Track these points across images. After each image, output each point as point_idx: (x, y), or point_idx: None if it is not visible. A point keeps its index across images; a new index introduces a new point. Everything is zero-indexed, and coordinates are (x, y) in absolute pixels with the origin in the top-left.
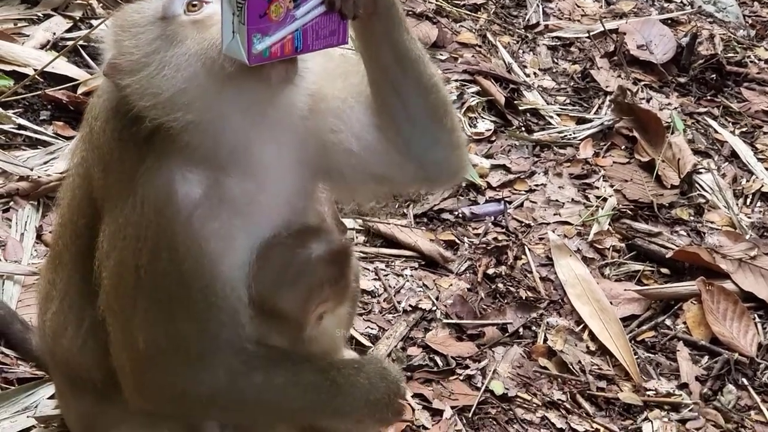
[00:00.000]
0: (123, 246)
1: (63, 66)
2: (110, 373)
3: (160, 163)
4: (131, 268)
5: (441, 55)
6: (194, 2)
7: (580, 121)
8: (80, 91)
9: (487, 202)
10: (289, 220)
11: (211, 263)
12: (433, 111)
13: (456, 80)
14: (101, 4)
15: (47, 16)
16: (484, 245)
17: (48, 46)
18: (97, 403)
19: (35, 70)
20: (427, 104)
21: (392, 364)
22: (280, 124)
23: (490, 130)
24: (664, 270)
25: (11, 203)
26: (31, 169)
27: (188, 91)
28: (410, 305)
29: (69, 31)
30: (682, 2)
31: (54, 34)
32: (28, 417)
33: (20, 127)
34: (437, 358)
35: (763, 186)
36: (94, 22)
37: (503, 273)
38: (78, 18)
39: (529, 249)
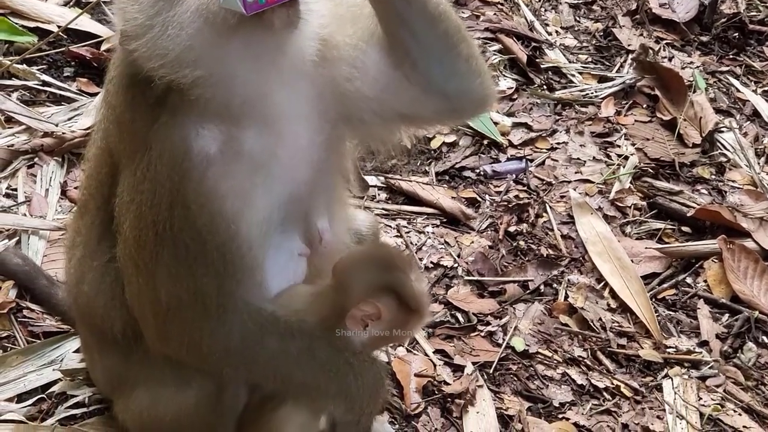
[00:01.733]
0: (141, 200)
1: (86, 23)
2: (129, 321)
3: (174, 120)
4: (150, 222)
5: (463, 12)
6: None
7: (602, 79)
8: (104, 47)
9: (508, 160)
10: (310, 175)
11: (227, 222)
12: (445, 40)
13: (478, 38)
14: None
15: None
16: (506, 203)
17: (71, 3)
18: (123, 359)
19: (59, 26)
20: (438, 33)
21: None
22: (292, 72)
23: (512, 88)
24: (686, 228)
25: (36, 159)
26: (56, 125)
27: (194, 48)
28: (432, 262)
29: None
30: None
31: None
32: (54, 370)
33: (44, 83)
34: (459, 315)
35: None
36: None
37: (524, 230)
38: None
39: (551, 207)
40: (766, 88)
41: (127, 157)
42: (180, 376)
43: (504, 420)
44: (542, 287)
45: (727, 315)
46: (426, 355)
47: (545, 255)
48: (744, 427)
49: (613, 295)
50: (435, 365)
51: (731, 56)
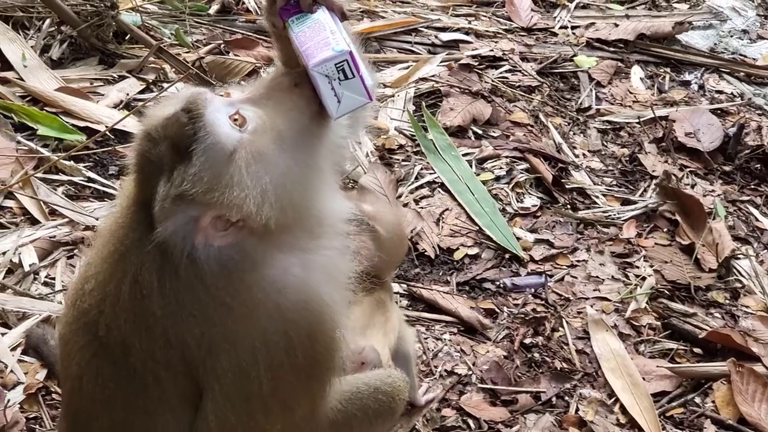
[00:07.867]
0: (261, 356)
1: (134, 125)
2: None
3: (257, 266)
4: (281, 369)
5: (493, 132)
6: (235, 116)
7: (625, 202)
8: None
9: (528, 274)
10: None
11: (337, 330)
12: None
13: (506, 156)
14: (173, 69)
15: (122, 78)
16: (523, 315)
17: (120, 106)
18: None
19: (107, 126)
20: None
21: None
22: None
23: (537, 205)
24: (697, 349)
25: (75, 251)
26: (97, 219)
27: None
28: (446, 370)
29: (141, 92)
30: (732, 93)
31: (127, 94)
32: None
33: (89, 180)
34: (470, 421)
35: None
36: (165, 85)
37: (540, 343)
38: (151, 81)
39: (567, 322)
40: None
41: (223, 339)
42: None
43: None
44: (554, 399)
45: None
46: None
47: (559, 368)
48: None
49: (623, 410)
50: None
51: (752, 186)
